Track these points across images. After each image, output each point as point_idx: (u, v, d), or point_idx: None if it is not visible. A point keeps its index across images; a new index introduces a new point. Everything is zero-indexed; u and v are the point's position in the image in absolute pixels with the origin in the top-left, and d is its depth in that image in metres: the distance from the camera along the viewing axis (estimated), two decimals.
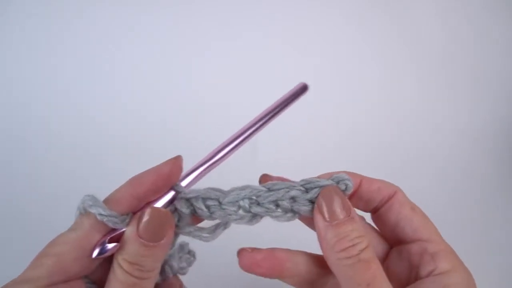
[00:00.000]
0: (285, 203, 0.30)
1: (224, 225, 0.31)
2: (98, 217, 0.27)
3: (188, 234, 0.31)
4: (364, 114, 0.76)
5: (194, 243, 0.33)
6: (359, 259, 0.27)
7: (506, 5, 0.82)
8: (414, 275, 0.31)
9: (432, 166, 0.72)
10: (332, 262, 0.28)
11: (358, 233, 0.28)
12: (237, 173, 0.64)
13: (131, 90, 0.76)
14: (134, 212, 0.29)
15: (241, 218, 0.30)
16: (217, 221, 0.31)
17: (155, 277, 0.28)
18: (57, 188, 0.64)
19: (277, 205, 0.30)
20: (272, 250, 0.32)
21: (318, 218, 0.29)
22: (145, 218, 0.27)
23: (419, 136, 0.75)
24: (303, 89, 0.37)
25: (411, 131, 0.75)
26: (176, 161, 0.31)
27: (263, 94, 0.76)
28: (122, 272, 0.27)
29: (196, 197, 0.31)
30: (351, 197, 0.33)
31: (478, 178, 0.71)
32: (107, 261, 0.29)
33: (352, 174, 0.33)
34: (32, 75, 0.74)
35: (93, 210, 0.27)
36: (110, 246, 0.28)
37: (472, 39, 0.82)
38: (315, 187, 0.30)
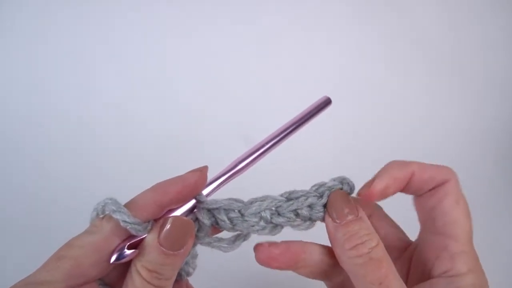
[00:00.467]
0: (304, 212, 0.31)
1: (245, 236, 0.32)
2: (122, 224, 0.27)
3: (208, 244, 0.31)
4: (368, 115, 0.77)
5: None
6: (370, 258, 0.28)
7: (506, 4, 0.82)
8: (427, 271, 0.31)
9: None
10: (344, 261, 0.29)
11: (367, 231, 0.29)
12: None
13: (130, 92, 0.77)
14: (155, 220, 0.29)
15: (263, 229, 0.31)
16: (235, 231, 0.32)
17: (171, 285, 0.29)
18: (56, 191, 0.65)
19: (297, 214, 0.31)
20: (288, 244, 0.33)
21: (328, 221, 0.30)
22: (168, 226, 0.28)
23: (424, 137, 0.75)
24: (326, 102, 0.37)
25: (416, 132, 0.75)
26: (202, 172, 0.31)
27: (262, 94, 0.77)
28: (141, 279, 0.27)
29: (219, 209, 0.31)
30: (404, 189, 0.33)
31: (483, 179, 0.71)
32: (122, 263, 0.29)
33: (403, 164, 0.33)
34: (29, 77, 0.75)
35: (117, 216, 0.28)
36: (128, 252, 0.28)
37: (478, 40, 0.82)
38: (326, 190, 0.31)
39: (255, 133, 0.71)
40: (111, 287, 0.30)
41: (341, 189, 0.32)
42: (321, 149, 0.71)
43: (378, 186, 0.32)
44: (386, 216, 0.36)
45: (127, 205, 0.29)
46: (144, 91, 0.76)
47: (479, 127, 0.77)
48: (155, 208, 0.29)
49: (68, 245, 0.28)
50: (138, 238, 0.28)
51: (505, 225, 0.64)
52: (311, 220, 0.31)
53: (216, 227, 0.32)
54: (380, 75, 0.80)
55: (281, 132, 0.34)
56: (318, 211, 0.31)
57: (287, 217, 0.31)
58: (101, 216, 0.29)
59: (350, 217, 0.29)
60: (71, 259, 0.27)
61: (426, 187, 0.33)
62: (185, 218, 0.29)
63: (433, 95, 0.79)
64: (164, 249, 0.27)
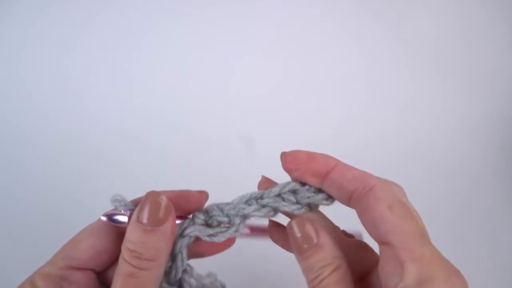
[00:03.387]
0: (289, 195, 0.31)
1: (237, 226, 0.31)
2: (111, 200, 0.30)
3: (206, 235, 0.31)
4: (359, 111, 0.76)
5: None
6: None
7: (501, 3, 0.82)
8: (385, 286, 0.27)
9: (426, 163, 0.72)
10: None
11: (323, 263, 0.27)
12: (235, 172, 0.65)
13: (134, 89, 0.76)
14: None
15: (255, 210, 0.31)
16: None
17: (156, 271, 0.28)
18: (61, 187, 0.64)
19: (283, 199, 0.31)
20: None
21: (294, 252, 0.30)
22: (144, 201, 0.28)
23: (414, 132, 0.75)
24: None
25: (406, 128, 0.75)
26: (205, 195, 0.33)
27: (263, 94, 0.77)
28: (122, 261, 0.27)
29: (210, 206, 0.32)
30: (323, 180, 0.31)
31: (473, 174, 0.71)
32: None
33: (327, 158, 0.31)
34: (34, 75, 0.75)
35: (115, 202, 0.30)
36: (121, 218, 0.29)
37: (467, 37, 0.82)
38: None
39: (255, 134, 0.72)
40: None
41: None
42: (319, 148, 0.70)
43: (298, 153, 0.32)
44: (381, 202, 0.30)
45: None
46: (144, 90, 0.76)
47: (468, 123, 0.77)
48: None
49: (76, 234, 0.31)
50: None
51: (494, 220, 0.64)
52: (299, 203, 0.31)
53: (210, 224, 0.32)
54: (370, 72, 0.80)
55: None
56: (306, 195, 0.31)
57: (273, 200, 0.31)
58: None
59: (306, 247, 0.28)
60: (70, 243, 0.30)
61: (348, 186, 0.29)
62: (162, 194, 0.29)
63: (422, 92, 0.79)
64: (141, 225, 0.27)
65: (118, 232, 0.30)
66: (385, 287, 0.26)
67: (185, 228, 0.31)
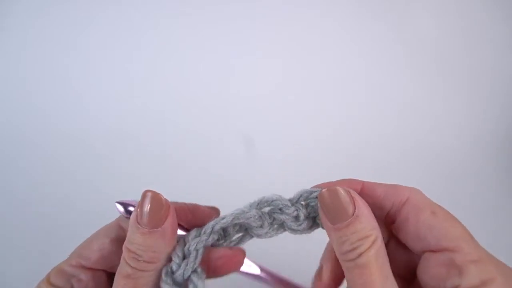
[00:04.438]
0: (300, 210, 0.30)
1: (249, 234, 0.31)
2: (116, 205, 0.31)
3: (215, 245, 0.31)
4: (359, 111, 0.76)
5: None
6: (356, 264, 0.26)
7: (502, 4, 0.82)
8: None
9: (426, 163, 0.72)
10: (340, 262, 0.27)
11: (360, 235, 0.26)
12: (235, 172, 0.65)
13: (134, 89, 0.76)
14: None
15: (263, 224, 0.30)
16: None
17: (154, 273, 0.27)
18: (61, 186, 0.64)
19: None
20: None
21: (323, 221, 0.28)
22: (141, 201, 0.27)
23: (414, 132, 0.75)
24: None
25: (406, 128, 0.75)
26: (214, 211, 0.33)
27: (263, 95, 0.77)
28: (122, 261, 0.27)
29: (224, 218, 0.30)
30: None
31: (473, 174, 0.70)
32: None
33: (351, 181, 0.31)
34: (34, 75, 0.75)
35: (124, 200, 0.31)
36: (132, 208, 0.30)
37: (467, 37, 0.82)
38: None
39: (255, 134, 0.72)
40: None
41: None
42: (319, 148, 0.70)
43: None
44: (421, 212, 0.31)
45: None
46: (144, 90, 0.76)
47: (469, 124, 0.77)
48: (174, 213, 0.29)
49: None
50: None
51: (495, 221, 0.64)
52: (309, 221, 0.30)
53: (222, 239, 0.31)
54: (370, 73, 0.79)
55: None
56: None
57: (286, 213, 0.30)
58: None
59: (344, 218, 0.26)
60: (85, 242, 0.31)
61: (384, 204, 0.30)
62: (161, 195, 0.28)
63: (423, 93, 0.79)
64: (140, 227, 0.26)
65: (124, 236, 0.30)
66: None
67: (210, 227, 0.29)
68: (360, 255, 0.25)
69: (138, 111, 0.74)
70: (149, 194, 0.27)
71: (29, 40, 0.76)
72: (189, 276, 0.28)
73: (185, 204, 0.31)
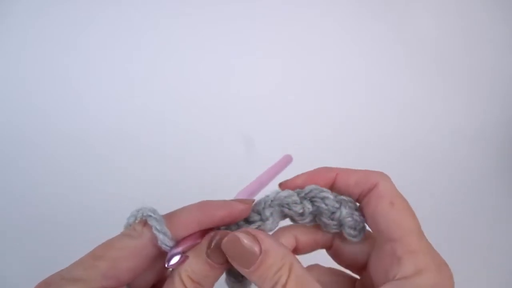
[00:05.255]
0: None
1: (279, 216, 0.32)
2: (159, 243, 0.28)
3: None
4: (359, 111, 0.76)
5: None
6: None
7: (501, 4, 0.82)
8: (382, 279, 0.29)
9: (426, 162, 0.72)
10: None
11: (275, 267, 0.26)
12: (232, 172, 0.64)
13: (134, 89, 0.76)
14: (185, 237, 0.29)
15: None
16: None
17: None
18: (60, 186, 0.64)
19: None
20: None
21: (238, 268, 0.28)
22: (218, 240, 0.28)
23: (414, 132, 0.75)
24: (289, 161, 0.40)
25: (406, 128, 0.75)
26: (249, 205, 0.31)
27: (263, 95, 0.77)
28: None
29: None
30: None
31: (473, 174, 0.71)
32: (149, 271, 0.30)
33: (326, 169, 0.32)
34: (34, 75, 0.75)
35: (159, 235, 0.28)
36: (176, 259, 0.28)
37: (467, 37, 0.82)
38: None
39: (255, 134, 0.72)
40: None
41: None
42: (319, 148, 0.71)
43: (296, 180, 0.32)
44: (383, 199, 0.32)
45: (168, 217, 0.29)
46: (144, 90, 0.76)
47: (468, 125, 0.77)
48: (195, 228, 0.29)
49: (107, 245, 0.28)
50: (185, 246, 0.29)
51: (492, 222, 0.64)
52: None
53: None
54: (370, 73, 0.80)
55: (253, 191, 0.35)
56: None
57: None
58: (137, 221, 0.29)
59: (253, 259, 0.27)
60: (109, 260, 0.27)
61: (354, 191, 0.31)
62: (233, 233, 0.28)
63: (422, 93, 0.79)
64: (210, 261, 0.27)
65: (157, 254, 0.29)
66: (384, 279, 0.28)
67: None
68: (285, 284, 0.26)
69: (138, 111, 0.74)
70: (224, 233, 0.28)
71: (29, 40, 0.76)
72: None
73: (218, 204, 0.30)
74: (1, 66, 0.75)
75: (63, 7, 0.76)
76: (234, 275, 0.30)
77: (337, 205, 0.31)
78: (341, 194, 0.31)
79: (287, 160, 0.40)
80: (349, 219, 0.31)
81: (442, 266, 0.28)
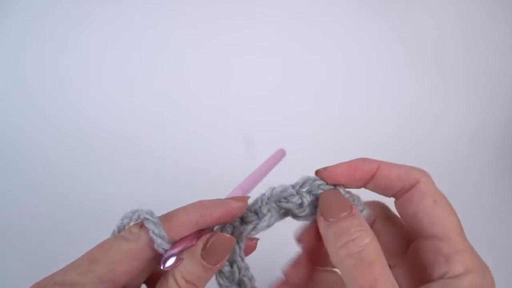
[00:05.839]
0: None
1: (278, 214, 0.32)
2: (156, 246, 0.28)
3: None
4: (360, 111, 0.76)
5: None
6: (361, 258, 0.26)
7: (502, 4, 0.82)
8: (427, 275, 0.29)
9: (426, 162, 0.70)
10: (336, 262, 0.28)
11: (359, 227, 0.27)
12: (232, 172, 0.64)
13: (134, 89, 0.76)
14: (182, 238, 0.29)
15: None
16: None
17: None
18: (60, 186, 0.64)
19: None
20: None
21: (319, 220, 0.29)
22: (213, 241, 0.28)
23: (414, 132, 0.75)
24: (282, 155, 0.40)
25: (406, 128, 0.75)
26: (245, 203, 0.31)
27: (263, 95, 0.77)
28: None
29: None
30: (367, 183, 0.32)
31: (474, 174, 0.71)
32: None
33: (368, 161, 0.33)
34: (34, 75, 0.75)
35: (156, 239, 0.28)
36: (172, 261, 0.28)
37: (467, 37, 0.82)
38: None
39: (255, 134, 0.72)
40: None
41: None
42: (319, 148, 0.70)
43: (336, 169, 0.32)
44: (392, 217, 0.34)
45: (165, 218, 0.29)
46: (144, 90, 0.76)
47: (469, 125, 0.77)
48: (193, 228, 0.29)
49: (103, 248, 0.27)
50: (181, 248, 0.29)
51: (494, 221, 0.63)
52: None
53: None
54: (371, 73, 0.80)
55: (248, 188, 0.35)
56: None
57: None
58: (132, 223, 0.29)
59: (340, 215, 0.28)
60: (106, 264, 0.26)
61: (395, 186, 0.32)
62: (228, 235, 0.29)
63: (423, 94, 0.79)
64: (205, 263, 0.28)
65: (153, 256, 0.29)
66: (426, 275, 0.29)
67: (239, 233, 0.32)
68: (365, 246, 0.26)
69: (138, 111, 0.74)
70: (221, 238, 0.29)
71: (29, 40, 0.76)
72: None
73: (214, 203, 0.30)
74: (1, 66, 0.75)
75: (63, 7, 0.76)
76: (225, 275, 0.31)
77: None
78: (380, 186, 0.32)
79: (281, 155, 0.39)
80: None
81: (486, 268, 0.29)
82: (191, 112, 0.74)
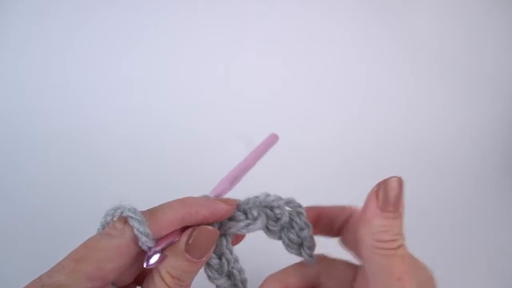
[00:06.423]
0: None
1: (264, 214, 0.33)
2: (140, 244, 0.28)
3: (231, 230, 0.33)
4: (360, 111, 0.76)
5: None
6: (396, 253, 0.28)
7: (501, 4, 0.82)
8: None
9: (426, 162, 0.72)
10: (368, 247, 0.29)
11: (400, 230, 0.29)
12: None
13: (133, 89, 0.76)
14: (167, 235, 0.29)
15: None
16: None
17: None
18: (60, 186, 0.64)
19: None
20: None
21: (371, 200, 0.29)
22: (196, 235, 0.28)
23: (414, 132, 0.75)
24: (274, 140, 0.41)
25: (406, 128, 0.75)
26: (233, 207, 0.32)
27: (263, 94, 0.77)
28: (163, 285, 0.28)
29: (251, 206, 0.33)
30: (314, 227, 0.35)
31: (474, 174, 0.70)
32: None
33: (309, 209, 0.35)
34: (34, 75, 0.75)
35: (141, 237, 0.27)
36: (156, 258, 0.28)
37: (467, 37, 0.82)
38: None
39: (255, 134, 0.72)
40: None
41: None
42: (319, 148, 0.71)
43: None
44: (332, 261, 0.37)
45: (150, 214, 0.29)
46: (143, 90, 0.76)
47: (470, 125, 0.77)
48: (177, 226, 0.29)
49: (88, 246, 0.27)
50: (165, 245, 0.29)
51: (497, 222, 0.63)
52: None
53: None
54: (371, 74, 0.80)
55: (239, 175, 0.36)
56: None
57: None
58: (115, 219, 0.29)
59: (392, 209, 0.28)
60: (93, 262, 0.26)
61: (335, 222, 0.35)
62: (211, 228, 0.29)
63: (433, 95, 0.79)
64: (189, 257, 0.28)
65: (139, 252, 0.29)
66: None
67: (226, 228, 0.32)
68: (401, 246, 0.28)
69: (138, 111, 0.74)
70: (203, 229, 0.29)
71: (29, 40, 0.76)
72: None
73: (201, 202, 0.31)
74: (1, 66, 0.75)
75: (63, 7, 0.76)
76: (214, 268, 0.31)
77: (305, 225, 0.34)
78: (327, 228, 0.35)
79: (272, 140, 0.40)
80: (309, 240, 0.34)
81: (417, 270, 0.31)
82: (191, 112, 0.74)
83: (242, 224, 0.32)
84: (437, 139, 0.75)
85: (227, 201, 0.32)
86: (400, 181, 0.29)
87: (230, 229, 0.32)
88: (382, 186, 0.29)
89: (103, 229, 0.29)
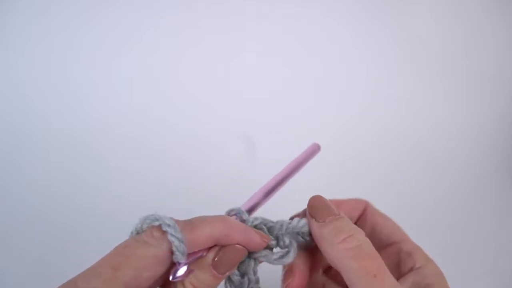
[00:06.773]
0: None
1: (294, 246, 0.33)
2: (174, 258, 0.28)
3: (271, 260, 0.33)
4: (360, 111, 0.76)
5: None
6: (362, 249, 0.29)
7: (501, 4, 0.82)
8: (397, 273, 0.34)
9: (427, 162, 0.72)
10: (335, 257, 0.29)
11: (352, 226, 0.30)
12: (232, 172, 0.64)
13: (134, 89, 0.76)
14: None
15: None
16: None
17: None
18: (60, 186, 0.64)
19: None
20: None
21: (311, 222, 0.31)
22: (225, 251, 0.29)
23: (414, 132, 0.75)
24: (316, 150, 0.40)
25: (406, 128, 0.76)
26: (265, 242, 0.32)
27: (263, 94, 0.77)
28: None
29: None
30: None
31: (474, 173, 0.70)
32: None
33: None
34: (34, 75, 0.75)
35: (177, 254, 0.28)
36: (183, 271, 0.28)
37: (467, 37, 0.82)
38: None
39: (255, 134, 0.72)
40: None
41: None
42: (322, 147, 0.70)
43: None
44: (376, 215, 0.38)
45: (189, 228, 0.29)
46: (143, 91, 0.76)
47: (470, 125, 0.77)
48: (211, 243, 0.29)
49: (125, 254, 0.27)
50: (194, 259, 0.29)
51: (497, 222, 0.63)
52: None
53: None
54: (372, 74, 0.80)
55: (275, 186, 0.35)
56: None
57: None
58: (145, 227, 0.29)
59: (331, 216, 0.31)
60: (131, 270, 0.26)
61: (353, 216, 0.37)
62: (240, 247, 0.30)
63: (433, 95, 0.79)
64: (215, 272, 0.29)
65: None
66: (398, 273, 0.34)
67: (258, 256, 0.32)
68: (362, 241, 0.29)
69: (138, 111, 0.74)
70: (233, 249, 0.30)
71: (29, 40, 0.76)
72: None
73: (239, 228, 0.31)
74: (1, 66, 0.75)
75: (63, 7, 0.76)
76: (234, 284, 0.32)
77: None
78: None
79: (313, 149, 0.38)
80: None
81: (432, 259, 0.35)
82: (191, 112, 0.74)
83: (274, 256, 0.32)
84: (437, 139, 0.75)
85: (262, 235, 0.32)
86: (317, 197, 0.32)
87: (261, 258, 0.32)
88: (309, 205, 0.32)
89: (137, 233, 0.29)
